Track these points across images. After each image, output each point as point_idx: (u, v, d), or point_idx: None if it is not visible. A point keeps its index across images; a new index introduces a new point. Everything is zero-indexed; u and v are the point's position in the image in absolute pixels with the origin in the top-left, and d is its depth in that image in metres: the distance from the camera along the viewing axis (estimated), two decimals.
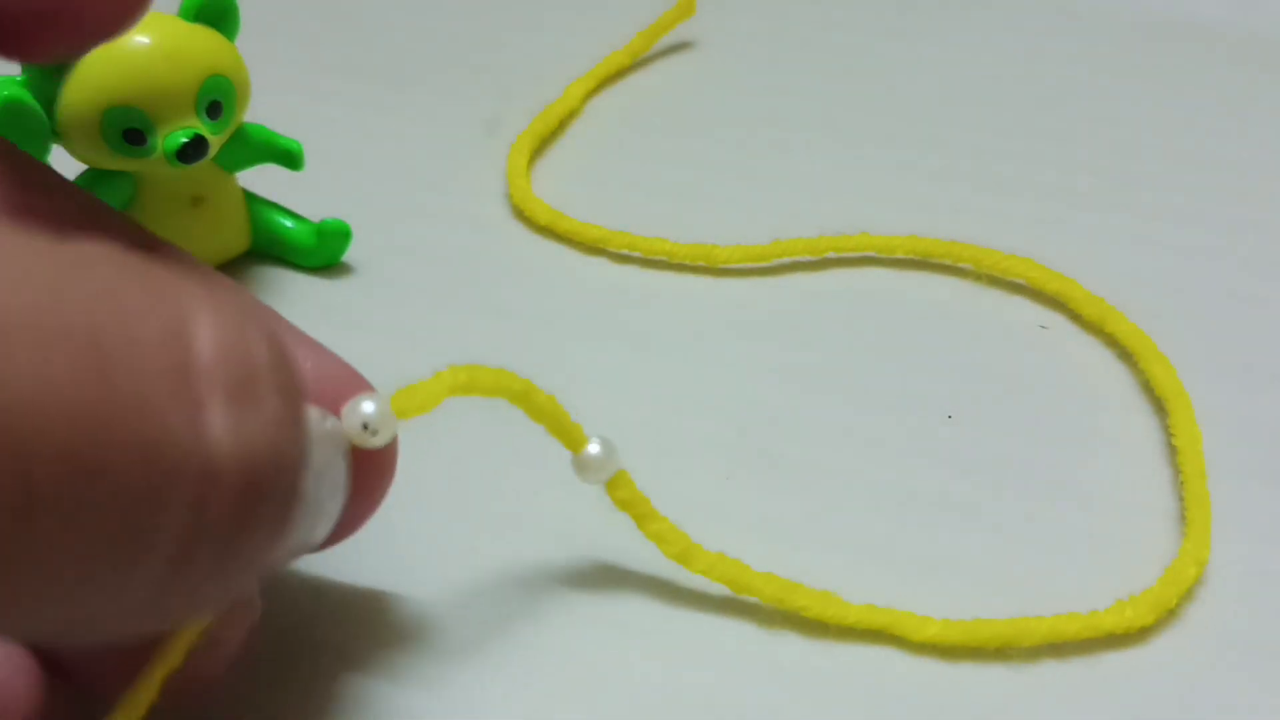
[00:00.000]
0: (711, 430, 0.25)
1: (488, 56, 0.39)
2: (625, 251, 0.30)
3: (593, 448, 0.20)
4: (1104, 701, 0.20)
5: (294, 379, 0.13)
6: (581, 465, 0.20)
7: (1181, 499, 0.23)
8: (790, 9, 0.41)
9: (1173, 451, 0.24)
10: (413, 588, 0.21)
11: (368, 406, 0.18)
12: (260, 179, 0.29)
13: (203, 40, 0.25)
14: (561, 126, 0.35)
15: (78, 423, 0.10)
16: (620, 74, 0.37)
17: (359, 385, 0.18)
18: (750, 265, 0.29)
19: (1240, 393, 0.25)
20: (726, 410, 0.25)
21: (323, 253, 0.29)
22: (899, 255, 0.29)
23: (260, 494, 0.12)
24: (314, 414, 0.16)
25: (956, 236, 0.29)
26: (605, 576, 0.22)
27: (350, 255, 0.30)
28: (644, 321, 0.28)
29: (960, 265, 0.29)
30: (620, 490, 0.21)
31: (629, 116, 0.36)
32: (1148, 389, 0.26)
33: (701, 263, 0.29)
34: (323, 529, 0.16)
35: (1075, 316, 0.27)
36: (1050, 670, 0.20)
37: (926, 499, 0.23)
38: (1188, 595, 0.21)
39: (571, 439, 0.20)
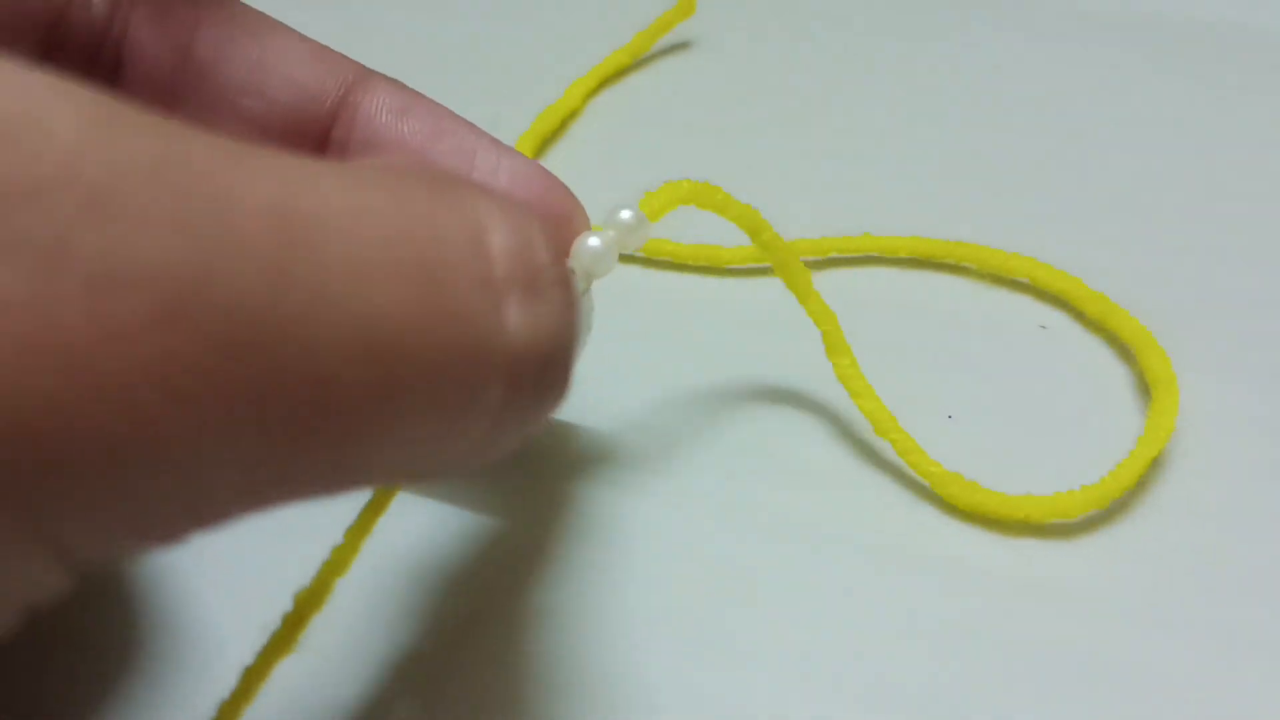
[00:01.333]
0: (713, 430, 0.25)
1: (488, 56, 0.39)
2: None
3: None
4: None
5: (567, 272, 0.15)
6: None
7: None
8: (790, 8, 0.41)
9: (1141, 435, 0.24)
10: None
11: (625, 214, 0.21)
12: None
13: None
14: (563, 126, 0.35)
15: (422, 333, 0.12)
16: (621, 73, 0.37)
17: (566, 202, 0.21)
18: (753, 265, 0.29)
19: (1236, 392, 0.25)
20: (728, 410, 0.25)
21: None
22: (901, 255, 0.29)
23: (553, 371, 0.15)
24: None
25: (958, 236, 0.29)
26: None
27: None
28: (647, 321, 0.28)
29: (963, 265, 0.29)
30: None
31: (630, 116, 0.36)
32: (1143, 388, 0.26)
33: (705, 263, 0.29)
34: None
35: (1078, 315, 0.27)
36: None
37: (928, 498, 0.23)
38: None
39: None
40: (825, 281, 0.29)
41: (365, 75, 0.21)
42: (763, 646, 0.21)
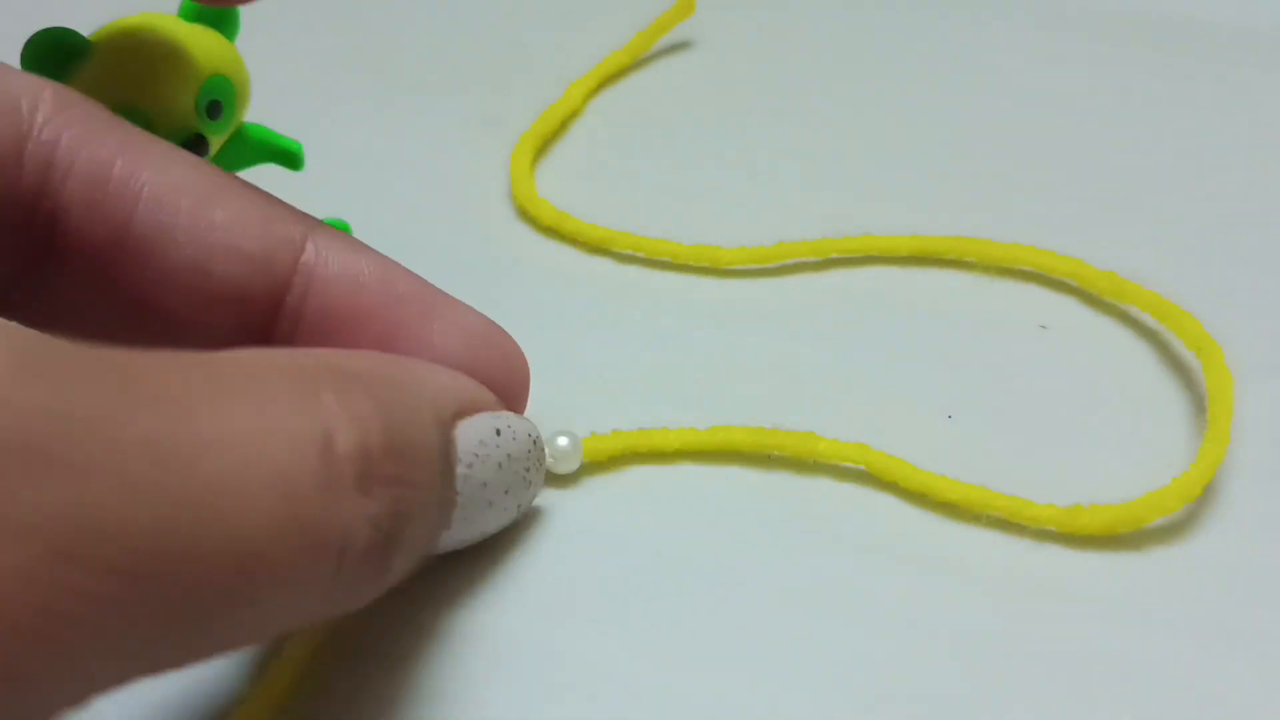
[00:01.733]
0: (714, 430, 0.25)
1: (488, 56, 0.39)
2: (629, 252, 0.30)
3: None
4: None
5: (410, 462, 0.17)
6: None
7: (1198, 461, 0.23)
8: (790, 8, 0.41)
9: (1199, 403, 0.24)
10: None
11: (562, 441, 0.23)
12: (260, 179, 0.29)
13: (203, 40, 0.25)
14: (563, 126, 0.35)
15: (277, 539, 0.14)
16: (621, 73, 0.37)
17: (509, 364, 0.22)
18: (754, 266, 0.29)
19: (1237, 391, 0.25)
20: (729, 411, 0.25)
21: None
22: (902, 254, 0.29)
23: (389, 552, 0.16)
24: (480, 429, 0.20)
25: (958, 234, 0.29)
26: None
27: None
28: (648, 322, 0.28)
29: (965, 259, 0.29)
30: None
31: (630, 116, 0.36)
32: (1163, 353, 0.26)
33: (706, 264, 0.29)
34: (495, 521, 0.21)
35: (1086, 299, 0.27)
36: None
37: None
38: (1159, 533, 0.22)
39: None
40: (826, 283, 0.29)
41: (316, 232, 0.20)
42: (762, 648, 0.21)
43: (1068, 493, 0.23)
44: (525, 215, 0.31)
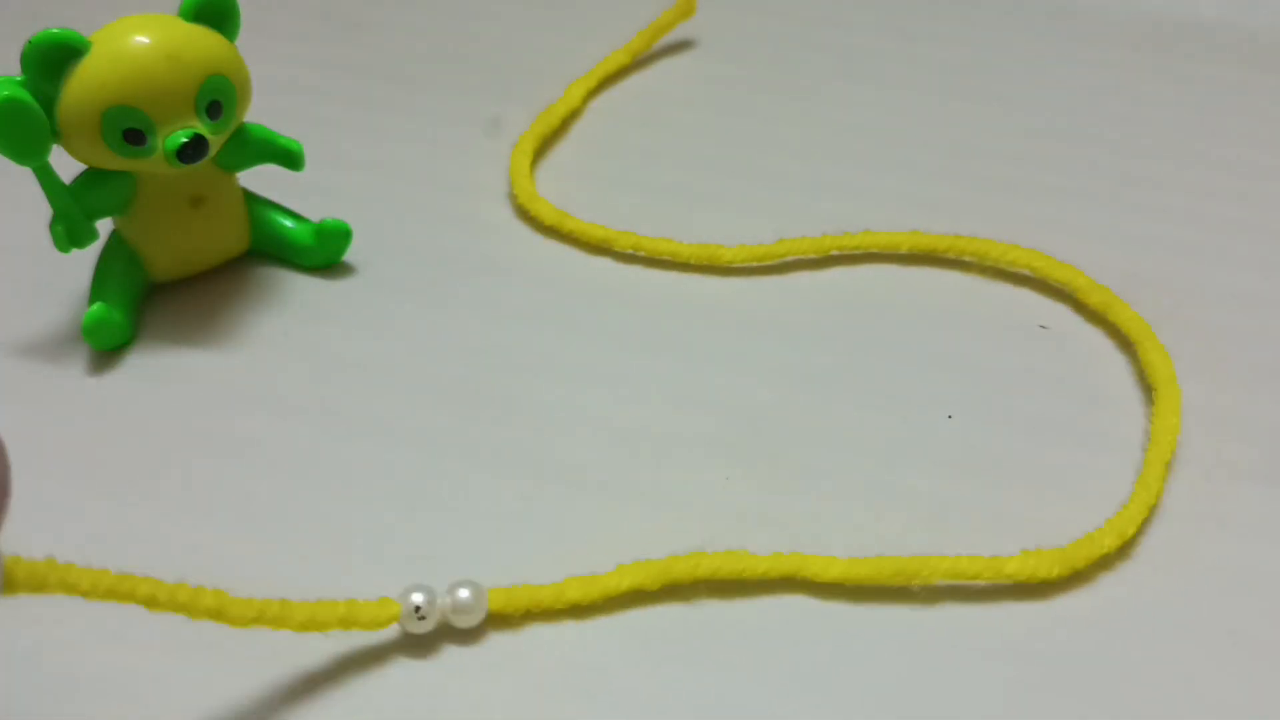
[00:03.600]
0: (714, 428, 0.25)
1: (488, 56, 0.39)
2: (630, 251, 0.30)
3: (413, 599, 0.20)
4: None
5: None
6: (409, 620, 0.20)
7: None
8: (790, 8, 0.41)
9: (1146, 437, 0.24)
10: None
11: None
12: (260, 179, 0.29)
13: (203, 40, 0.25)
14: (564, 126, 0.35)
15: None
16: (621, 73, 0.37)
17: None
18: (755, 264, 0.29)
19: (1234, 390, 0.25)
20: (729, 409, 0.25)
21: (323, 253, 0.29)
22: (902, 251, 0.29)
23: None
24: None
25: (957, 234, 0.29)
26: None
27: (350, 255, 0.29)
28: (648, 321, 0.28)
29: (964, 259, 0.29)
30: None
31: (630, 116, 0.36)
32: (1143, 380, 0.26)
33: (706, 262, 0.29)
34: None
35: (1080, 307, 0.27)
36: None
37: (928, 497, 0.23)
38: (1104, 564, 0.22)
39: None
40: (826, 280, 0.29)
41: None
42: None
43: (1056, 487, 0.23)
44: (525, 215, 0.31)
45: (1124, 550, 0.22)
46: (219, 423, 0.25)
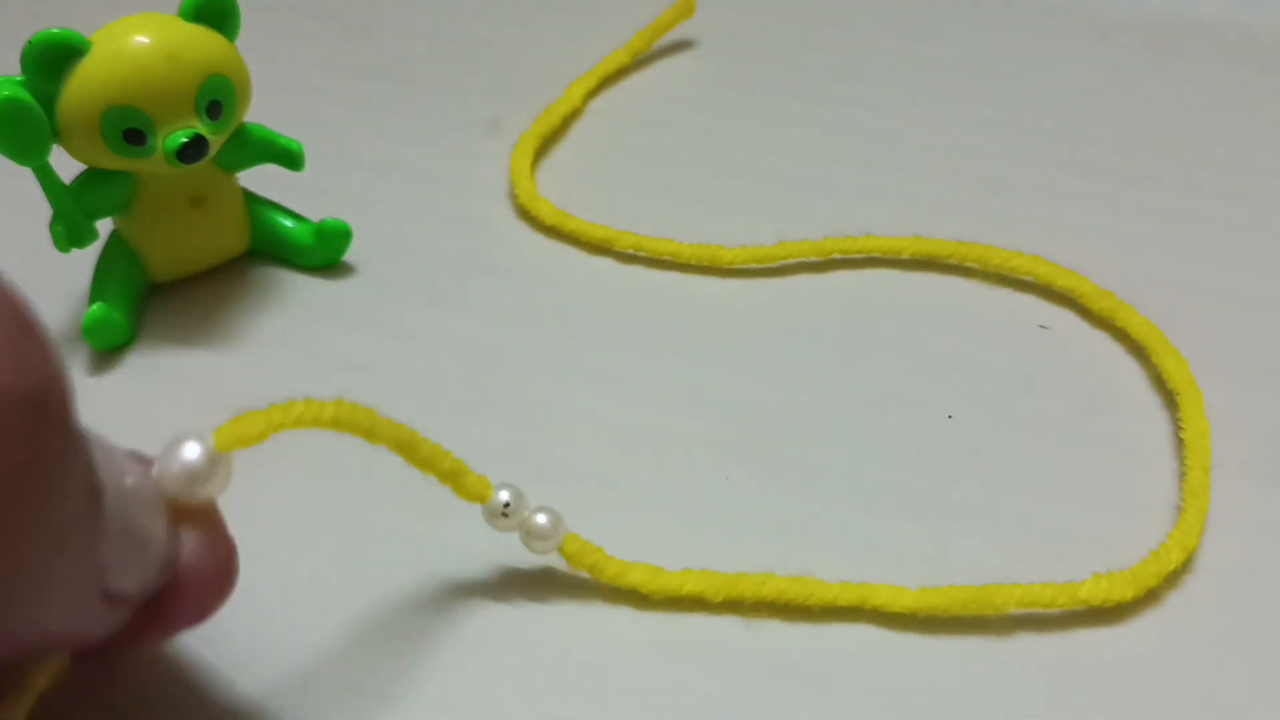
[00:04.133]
0: (714, 429, 0.25)
1: (488, 56, 0.39)
2: (631, 251, 0.30)
3: (501, 495, 0.20)
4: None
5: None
6: (491, 514, 0.20)
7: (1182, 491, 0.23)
8: (790, 8, 0.41)
9: (1179, 444, 0.24)
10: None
11: (190, 451, 0.17)
12: (260, 179, 0.29)
13: (203, 40, 0.25)
14: (564, 126, 0.35)
15: None
16: (621, 73, 0.37)
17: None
18: (756, 266, 0.29)
19: (1241, 391, 0.25)
20: (729, 409, 0.25)
21: (323, 253, 0.29)
22: (905, 256, 0.29)
23: (20, 409, 0.12)
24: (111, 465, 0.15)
25: (960, 235, 0.29)
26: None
27: (350, 255, 0.29)
28: (649, 321, 0.28)
29: (966, 265, 0.29)
30: (571, 546, 0.21)
31: (631, 116, 0.36)
32: (1157, 383, 0.25)
33: (707, 263, 0.29)
34: (128, 580, 0.15)
35: (1084, 312, 0.27)
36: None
37: (928, 497, 0.23)
38: (1170, 581, 0.21)
39: (471, 490, 0.20)
40: (828, 283, 0.29)
41: None
42: None
43: (1068, 493, 0.23)
44: (526, 215, 0.31)
45: (1187, 564, 0.22)
46: (219, 423, 0.25)
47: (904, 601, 0.20)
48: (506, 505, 0.20)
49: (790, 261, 0.29)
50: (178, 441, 0.17)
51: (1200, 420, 0.23)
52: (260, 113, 0.27)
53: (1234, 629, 0.21)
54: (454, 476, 0.20)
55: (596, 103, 0.36)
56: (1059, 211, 0.31)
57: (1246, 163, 0.33)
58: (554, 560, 0.21)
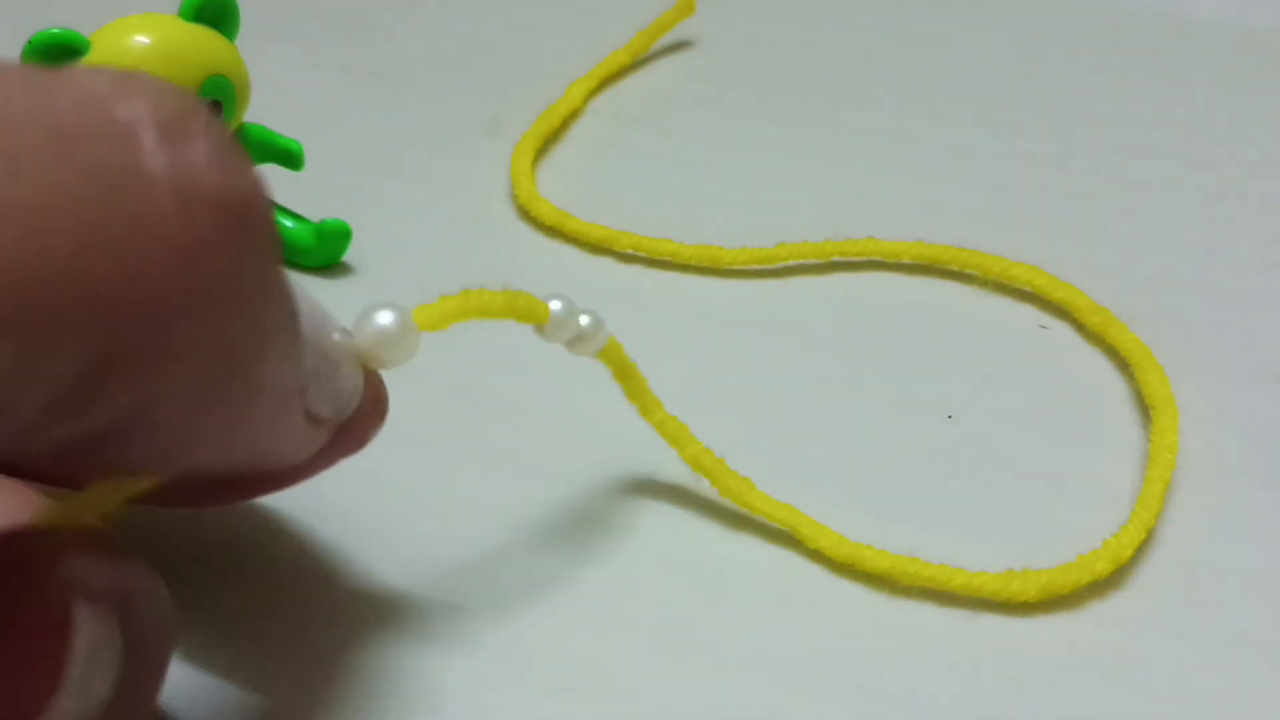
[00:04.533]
0: (713, 430, 0.25)
1: (488, 56, 0.39)
2: (631, 252, 0.30)
3: (554, 305, 0.21)
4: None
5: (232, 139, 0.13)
6: (554, 329, 0.21)
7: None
8: (791, 8, 0.41)
9: (1145, 458, 0.24)
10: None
11: (384, 317, 0.18)
12: None
13: (203, 40, 0.25)
14: (564, 126, 0.35)
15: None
16: (621, 73, 0.37)
17: None
18: (756, 267, 0.29)
19: (1240, 392, 0.25)
20: (729, 411, 0.25)
21: (323, 253, 0.29)
22: (905, 260, 0.29)
23: (233, 215, 0.13)
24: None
25: (959, 235, 0.29)
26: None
27: (350, 255, 0.29)
28: (649, 322, 0.28)
29: (966, 271, 0.29)
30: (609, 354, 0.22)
31: (631, 116, 0.36)
32: (1141, 397, 0.25)
33: (707, 264, 0.29)
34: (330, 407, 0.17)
35: (1079, 325, 0.27)
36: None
37: (927, 498, 0.23)
38: (1092, 588, 0.21)
39: (533, 312, 0.21)
40: (827, 285, 0.29)
41: None
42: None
43: (1054, 497, 0.23)
44: (526, 215, 0.31)
45: (1119, 573, 0.21)
46: None
47: (822, 541, 0.21)
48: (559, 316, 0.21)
49: (790, 263, 0.29)
50: (374, 307, 0.18)
51: (1170, 434, 0.23)
52: (260, 113, 0.27)
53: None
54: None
55: (596, 103, 0.36)
56: (1059, 211, 0.31)
57: (1247, 162, 0.33)
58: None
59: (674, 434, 0.22)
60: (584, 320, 0.21)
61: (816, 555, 0.21)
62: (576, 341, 0.21)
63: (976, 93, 0.36)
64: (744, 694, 0.20)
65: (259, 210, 0.13)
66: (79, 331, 0.11)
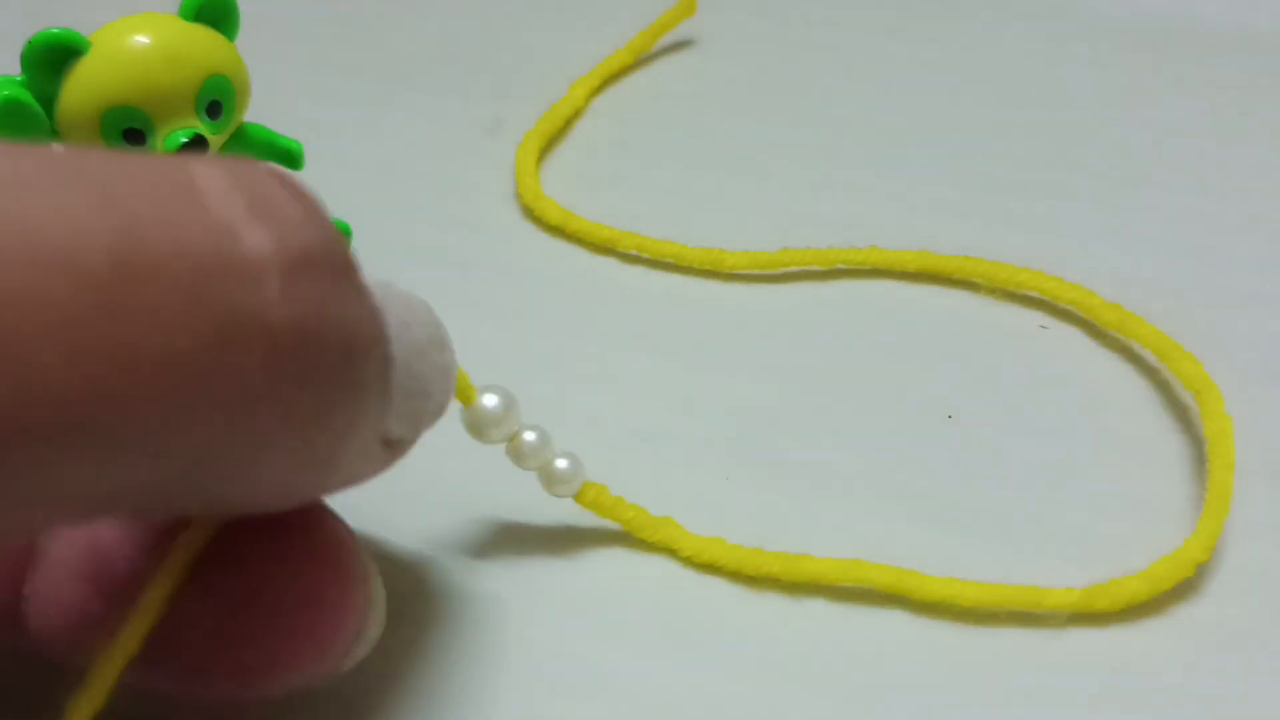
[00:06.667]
0: (714, 432, 0.25)
1: (488, 55, 0.39)
2: (634, 253, 0.29)
3: (488, 398, 0.20)
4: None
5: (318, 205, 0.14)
6: (475, 425, 0.20)
7: (1199, 496, 0.23)
8: (793, 8, 0.41)
9: (1196, 447, 0.24)
10: None
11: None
12: None
13: (203, 40, 0.25)
14: (567, 125, 0.35)
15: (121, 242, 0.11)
16: (623, 73, 0.37)
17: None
18: (757, 271, 0.29)
19: (1248, 394, 0.25)
20: (729, 413, 0.25)
21: None
22: (909, 269, 0.29)
23: (315, 270, 0.13)
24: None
25: (961, 236, 0.29)
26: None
27: None
28: (650, 323, 0.28)
29: (972, 280, 0.28)
30: (587, 495, 0.21)
31: (634, 116, 0.36)
32: (1164, 390, 0.25)
33: (710, 267, 0.29)
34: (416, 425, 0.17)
35: (1090, 326, 0.27)
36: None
37: (927, 501, 0.23)
38: (1176, 592, 0.21)
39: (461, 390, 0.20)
40: (831, 291, 0.29)
41: None
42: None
43: (1072, 500, 0.23)
44: (530, 215, 0.31)
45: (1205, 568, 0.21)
46: None
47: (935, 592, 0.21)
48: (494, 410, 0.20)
49: (794, 270, 0.29)
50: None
51: (1223, 418, 0.23)
52: (260, 113, 0.27)
53: (1238, 643, 0.20)
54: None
55: (598, 102, 0.36)
56: (1061, 212, 0.31)
57: (1247, 162, 0.33)
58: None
59: (669, 539, 0.22)
60: (556, 459, 0.21)
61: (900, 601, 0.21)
62: (546, 476, 0.21)
63: (976, 92, 0.36)
64: (744, 693, 0.20)
65: (371, 348, 0.14)
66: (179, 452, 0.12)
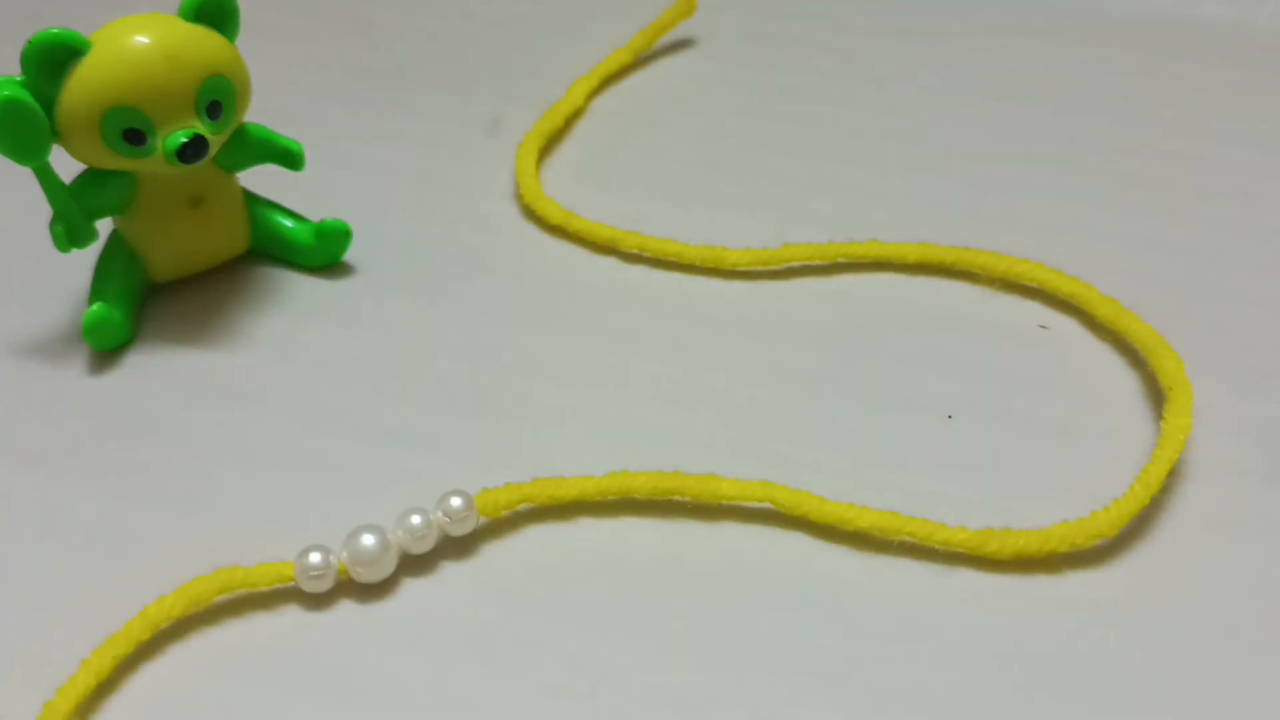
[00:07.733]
0: (715, 429, 0.25)
1: (488, 55, 0.39)
2: (636, 251, 0.29)
3: (312, 557, 0.21)
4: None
5: None
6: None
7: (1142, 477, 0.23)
8: (791, 8, 0.41)
9: (1158, 441, 0.24)
10: None
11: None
12: (260, 179, 0.29)
13: (203, 40, 0.25)
14: (567, 125, 0.35)
15: None
16: (623, 72, 0.37)
17: None
18: (758, 269, 0.29)
19: (1241, 391, 0.25)
20: (731, 409, 0.25)
21: (323, 253, 0.29)
22: (910, 262, 0.29)
23: None
24: None
25: (961, 234, 0.29)
26: None
27: (350, 255, 0.29)
28: (654, 321, 0.28)
29: (972, 272, 0.28)
30: None
31: (634, 115, 0.36)
32: (1150, 384, 0.25)
33: (711, 264, 0.29)
34: None
35: (1088, 319, 0.27)
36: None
37: (927, 497, 0.23)
38: (1078, 559, 0.22)
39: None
40: (832, 286, 0.29)
41: None
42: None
43: (1062, 491, 0.23)
44: (531, 214, 0.31)
45: (1118, 545, 0.22)
46: (219, 423, 0.25)
47: (804, 508, 0.22)
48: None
49: (795, 264, 0.29)
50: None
51: (1184, 416, 0.23)
52: (260, 113, 0.27)
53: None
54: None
55: (598, 102, 0.36)
56: (1061, 211, 0.31)
57: (1247, 162, 0.33)
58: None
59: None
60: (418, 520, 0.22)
61: (799, 523, 0.22)
62: (442, 530, 0.22)
63: (976, 92, 0.36)
64: (744, 693, 0.20)
65: None
66: None
